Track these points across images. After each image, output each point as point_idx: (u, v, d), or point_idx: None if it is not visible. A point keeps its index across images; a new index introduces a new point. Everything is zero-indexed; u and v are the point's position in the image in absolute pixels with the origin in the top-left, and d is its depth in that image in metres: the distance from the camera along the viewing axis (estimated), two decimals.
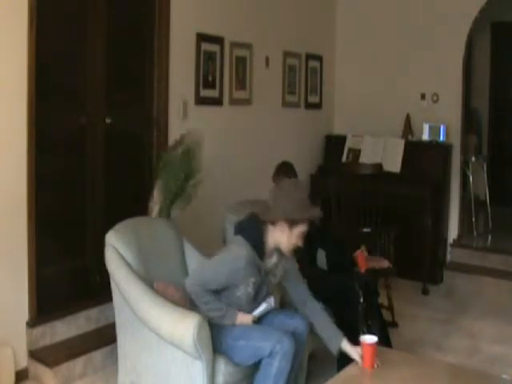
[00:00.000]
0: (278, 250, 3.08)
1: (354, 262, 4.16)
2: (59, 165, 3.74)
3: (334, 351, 3.09)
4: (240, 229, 3.09)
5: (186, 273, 3.59)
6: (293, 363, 2.97)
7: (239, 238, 3.02)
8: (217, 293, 3.04)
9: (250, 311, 3.08)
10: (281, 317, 3.17)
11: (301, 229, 2.98)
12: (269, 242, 3.04)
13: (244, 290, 3.01)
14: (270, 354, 2.92)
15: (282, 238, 3.00)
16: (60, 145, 3.76)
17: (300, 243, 3.03)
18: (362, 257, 4.12)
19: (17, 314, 3.50)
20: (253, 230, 3.04)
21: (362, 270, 4.10)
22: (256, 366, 3.02)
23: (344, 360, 3.45)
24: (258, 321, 3.12)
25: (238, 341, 3.01)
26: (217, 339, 3.00)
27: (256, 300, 3.09)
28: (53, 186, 3.71)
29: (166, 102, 4.41)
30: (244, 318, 3.05)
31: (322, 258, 4.27)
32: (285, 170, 4.05)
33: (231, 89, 5.07)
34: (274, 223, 3.00)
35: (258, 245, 3.02)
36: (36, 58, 3.46)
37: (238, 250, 2.98)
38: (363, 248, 4.18)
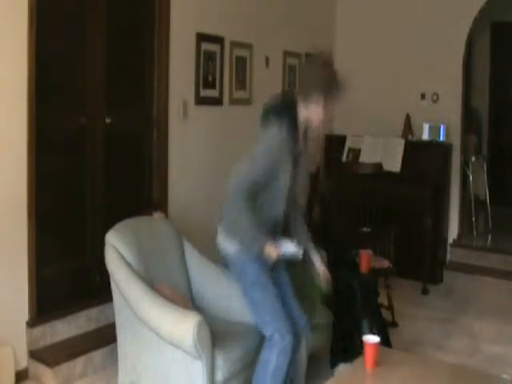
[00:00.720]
0: (305, 134, 3.04)
1: (357, 261, 4.16)
2: (59, 165, 3.74)
3: (300, 254, 3.06)
4: (272, 111, 2.96)
5: (185, 272, 3.60)
6: (290, 359, 2.98)
7: (275, 121, 2.90)
8: (256, 196, 2.95)
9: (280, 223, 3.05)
10: (289, 303, 3.15)
11: (333, 103, 2.98)
12: (300, 124, 2.99)
13: (283, 179, 2.94)
14: (269, 339, 2.95)
15: (315, 114, 2.96)
16: (60, 145, 3.76)
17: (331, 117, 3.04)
18: (365, 257, 4.12)
19: (17, 314, 3.50)
20: (287, 111, 2.96)
21: (364, 270, 4.10)
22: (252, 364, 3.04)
23: (337, 358, 3.48)
24: (277, 278, 3.10)
25: (252, 298, 3.03)
26: (239, 277, 3.03)
27: (288, 205, 3.05)
28: (53, 185, 3.71)
29: (165, 102, 4.41)
30: (271, 250, 2.92)
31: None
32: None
33: (231, 89, 5.07)
34: (308, 99, 2.93)
35: (292, 126, 2.95)
36: (36, 58, 3.46)
37: (277, 132, 2.88)
38: (369, 250, 4.17)
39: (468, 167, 6.74)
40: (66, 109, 3.80)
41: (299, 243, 3.05)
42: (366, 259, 4.12)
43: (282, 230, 3.10)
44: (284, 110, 2.95)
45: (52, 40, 3.64)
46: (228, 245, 3.04)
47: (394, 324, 4.70)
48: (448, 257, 6.15)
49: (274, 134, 2.89)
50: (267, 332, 2.97)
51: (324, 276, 3.19)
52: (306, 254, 3.10)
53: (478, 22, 6.16)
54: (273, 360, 2.94)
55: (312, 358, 3.57)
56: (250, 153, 2.96)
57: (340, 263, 4.19)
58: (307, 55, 2.91)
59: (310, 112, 2.96)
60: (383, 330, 4.04)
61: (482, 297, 5.50)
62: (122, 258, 3.22)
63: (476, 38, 7.29)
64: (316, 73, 2.96)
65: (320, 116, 2.97)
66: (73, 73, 3.84)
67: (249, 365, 3.18)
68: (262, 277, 3.02)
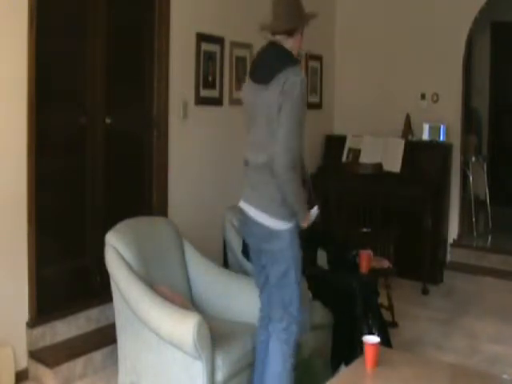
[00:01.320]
0: None
1: (357, 262, 4.16)
2: (59, 165, 3.74)
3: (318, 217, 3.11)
4: (277, 62, 2.93)
5: (185, 272, 3.61)
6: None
7: (287, 68, 2.87)
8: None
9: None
10: None
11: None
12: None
13: (304, 124, 2.93)
14: (286, 329, 2.99)
15: (297, 43, 3.01)
16: (60, 145, 3.76)
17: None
18: (365, 257, 4.12)
19: (17, 315, 3.50)
20: (286, 53, 2.98)
21: (364, 270, 4.11)
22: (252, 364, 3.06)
23: (338, 359, 3.48)
24: None
25: (296, 276, 2.98)
26: (285, 253, 2.96)
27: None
28: (53, 185, 3.71)
29: (165, 102, 4.41)
30: (307, 217, 2.99)
31: (322, 257, 4.28)
32: None
33: (231, 89, 5.06)
34: (291, 33, 2.98)
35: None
36: (36, 58, 3.46)
37: (297, 77, 2.86)
38: (369, 250, 4.17)
39: (468, 167, 6.73)
40: (65, 109, 3.81)
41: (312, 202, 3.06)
42: (366, 259, 4.12)
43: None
44: (286, 54, 2.97)
45: (52, 40, 3.64)
46: (276, 221, 2.93)
47: (394, 324, 4.70)
48: (448, 257, 6.15)
49: (295, 81, 2.84)
50: (288, 319, 2.98)
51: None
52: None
53: (478, 22, 6.16)
54: (291, 355, 2.99)
55: (313, 360, 3.57)
56: (268, 119, 2.89)
57: (340, 264, 4.21)
58: None
59: (294, 44, 3.01)
60: (383, 330, 4.04)
61: (482, 297, 5.50)
62: (122, 258, 3.22)
63: (476, 37, 7.29)
64: (292, 6, 3.00)
65: (300, 44, 3.04)
66: (73, 73, 3.84)
67: (249, 365, 3.19)
68: (300, 258, 3.00)
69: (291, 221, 2.94)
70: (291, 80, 2.84)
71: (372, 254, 4.20)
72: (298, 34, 3.01)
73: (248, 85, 3.08)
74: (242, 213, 3.06)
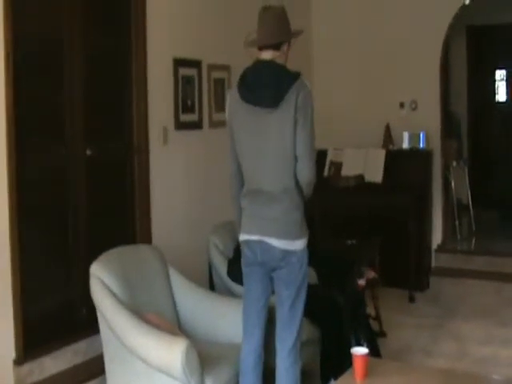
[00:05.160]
0: None
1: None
2: (41, 199, 3.71)
3: None
4: (285, 80, 2.91)
5: (171, 297, 3.64)
6: None
7: (297, 83, 2.89)
8: None
9: None
10: None
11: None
12: None
13: None
14: (293, 347, 3.12)
15: (285, 57, 3.04)
16: (40, 179, 3.73)
17: None
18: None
19: (3, 353, 3.42)
20: (279, 66, 2.99)
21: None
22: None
23: (327, 373, 3.52)
24: None
25: (304, 296, 3.12)
26: (299, 274, 3.06)
27: None
28: (35, 220, 3.68)
29: (145, 129, 4.41)
30: None
31: (310, 273, 4.33)
32: None
33: (211, 111, 5.09)
34: (282, 47, 3.01)
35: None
36: (14, 95, 3.45)
37: (307, 90, 2.93)
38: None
39: (449, 172, 6.80)
40: (45, 142, 3.76)
41: None
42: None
43: None
44: (284, 70, 2.97)
45: (29, 74, 3.63)
46: (299, 242, 3.01)
47: (383, 334, 4.76)
48: (433, 262, 6.22)
49: (306, 94, 2.90)
50: (296, 340, 3.10)
51: None
52: None
53: (453, 27, 6.23)
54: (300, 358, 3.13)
55: (303, 375, 3.62)
56: (282, 142, 2.92)
57: (327, 278, 4.25)
58: (264, 8, 3.00)
59: (282, 58, 3.02)
60: (372, 340, 4.10)
61: (469, 300, 5.56)
62: (108, 288, 3.25)
63: (452, 42, 7.36)
64: (283, 21, 3.02)
65: (287, 58, 3.07)
66: (51, 106, 3.81)
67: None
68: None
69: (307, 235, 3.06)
70: (303, 93, 2.88)
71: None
72: (286, 48, 3.02)
73: (242, 109, 2.98)
74: (257, 244, 3.04)
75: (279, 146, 2.92)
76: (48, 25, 3.81)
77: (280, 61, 3.00)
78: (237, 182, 3.14)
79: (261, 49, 3.01)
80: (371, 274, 4.76)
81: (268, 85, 2.90)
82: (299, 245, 3.01)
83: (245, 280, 3.18)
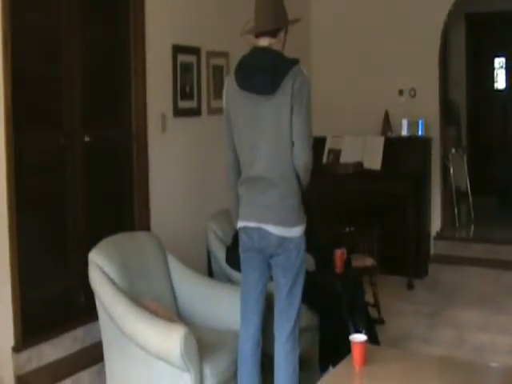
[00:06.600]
0: None
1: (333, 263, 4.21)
2: (39, 185, 3.71)
3: None
4: (282, 67, 2.92)
5: (170, 284, 3.65)
6: None
7: (294, 70, 2.90)
8: None
9: None
10: None
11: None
12: None
13: None
14: (292, 331, 3.14)
15: (282, 43, 3.04)
16: (40, 165, 3.74)
17: None
18: (339, 256, 4.16)
19: (2, 340, 3.43)
20: (276, 53, 2.98)
21: (339, 270, 4.15)
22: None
23: (326, 361, 3.53)
24: None
25: (302, 282, 3.13)
26: (298, 261, 3.07)
27: None
28: (34, 206, 3.68)
29: (144, 116, 4.40)
30: None
31: (308, 260, 4.34)
32: None
33: (209, 98, 5.09)
34: (279, 33, 3.01)
35: None
36: (12, 80, 3.44)
37: (305, 76, 2.93)
38: (343, 249, 4.22)
39: (448, 159, 6.81)
40: (44, 129, 3.77)
41: None
42: (340, 258, 4.16)
43: None
44: (281, 57, 2.98)
45: (27, 60, 3.62)
46: (296, 229, 3.03)
47: (381, 321, 4.77)
48: (432, 250, 6.23)
49: (303, 81, 2.92)
50: (294, 327, 3.12)
51: None
52: None
53: (452, 14, 6.21)
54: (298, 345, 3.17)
55: (301, 362, 3.63)
56: (278, 129, 2.92)
57: (325, 265, 4.26)
58: None
59: (279, 45, 3.03)
60: (370, 328, 4.12)
61: (467, 287, 5.58)
62: (106, 275, 3.26)
63: (451, 29, 7.34)
64: (279, 8, 3.03)
65: (284, 45, 3.07)
66: (50, 92, 3.81)
67: (237, 373, 3.23)
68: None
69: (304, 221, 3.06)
70: (299, 80, 2.88)
71: (346, 252, 4.22)
72: (283, 35, 3.02)
73: (239, 96, 2.98)
74: (255, 231, 3.05)
75: (276, 133, 2.93)
76: (47, 12, 3.78)
77: (277, 48, 3.00)
78: (233, 172, 3.14)
79: (257, 36, 3.00)
80: (369, 262, 4.78)
81: (264, 71, 2.91)
82: (296, 232, 3.02)
83: (242, 266, 3.19)
